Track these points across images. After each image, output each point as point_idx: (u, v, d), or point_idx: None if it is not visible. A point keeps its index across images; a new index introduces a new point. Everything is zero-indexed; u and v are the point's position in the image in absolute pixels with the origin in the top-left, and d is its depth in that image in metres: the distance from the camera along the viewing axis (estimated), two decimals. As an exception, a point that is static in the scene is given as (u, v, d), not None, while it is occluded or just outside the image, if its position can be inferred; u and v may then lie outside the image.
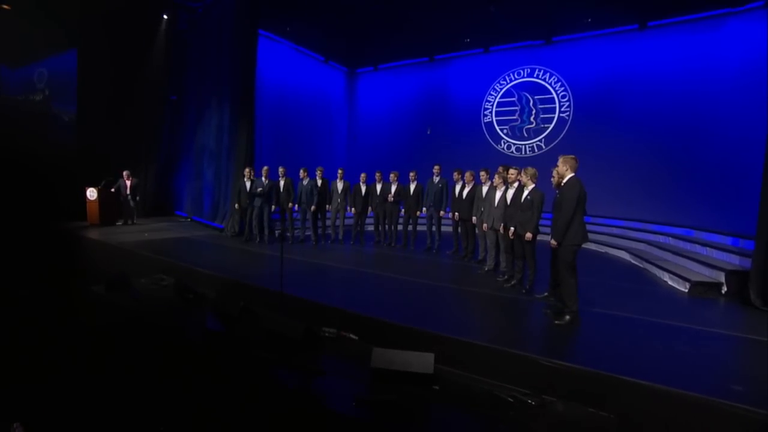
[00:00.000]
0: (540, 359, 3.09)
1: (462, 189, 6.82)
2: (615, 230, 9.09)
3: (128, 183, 9.13)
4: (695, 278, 5.40)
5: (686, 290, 5.32)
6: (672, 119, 8.81)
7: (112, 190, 8.98)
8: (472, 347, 3.36)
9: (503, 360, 3.22)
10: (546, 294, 4.64)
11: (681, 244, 7.35)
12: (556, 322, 3.85)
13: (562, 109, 10.39)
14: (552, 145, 10.42)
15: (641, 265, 7.04)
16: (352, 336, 4.06)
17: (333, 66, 13.29)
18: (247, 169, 7.33)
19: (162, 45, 10.16)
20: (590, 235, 8.85)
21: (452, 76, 12.19)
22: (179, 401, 2.83)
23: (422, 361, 3.17)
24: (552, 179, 4.24)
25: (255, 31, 8.69)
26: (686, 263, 6.28)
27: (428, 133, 12.26)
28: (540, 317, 4.12)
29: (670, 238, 7.82)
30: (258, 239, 7.68)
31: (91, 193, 8.59)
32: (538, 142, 10.72)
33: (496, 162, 6.61)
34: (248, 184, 7.23)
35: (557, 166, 3.94)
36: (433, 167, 7.45)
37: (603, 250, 8.53)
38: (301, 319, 4.31)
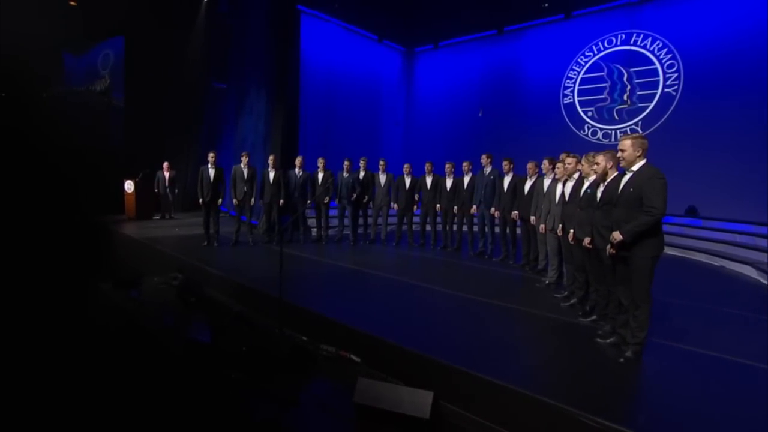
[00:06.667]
0: (581, 416, 2.38)
1: (518, 183, 6.05)
2: (737, 237, 7.54)
3: (167, 175, 9.55)
4: None
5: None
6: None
7: (156, 185, 9.47)
8: (493, 388, 2.74)
9: (531, 410, 2.57)
10: (595, 317, 3.83)
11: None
12: (620, 360, 3.05)
13: (668, 83, 8.93)
14: (652, 128, 9.00)
15: (773, 287, 5.70)
16: (354, 357, 3.63)
17: (388, 45, 12.92)
18: (271, 157, 7.16)
19: (202, 29, 10.56)
20: (701, 243, 7.71)
21: (525, 50, 11.17)
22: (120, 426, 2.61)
23: (416, 401, 2.64)
24: (594, 167, 3.55)
25: (294, 7, 8.64)
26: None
27: (480, 115, 11.42)
28: (594, 352, 3.31)
29: (822, 251, 6.26)
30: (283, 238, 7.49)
31: (129, 186, 9.14)
32: (633, 126, 9.35)
33: (579, 152, 5.73)
34: (271, 175, 7.04)
35: (622, 150, 3.17)
36: (481, 157, 6.72)
37: (718, 264, 7.11)
38: (306, 333, 4.02)
